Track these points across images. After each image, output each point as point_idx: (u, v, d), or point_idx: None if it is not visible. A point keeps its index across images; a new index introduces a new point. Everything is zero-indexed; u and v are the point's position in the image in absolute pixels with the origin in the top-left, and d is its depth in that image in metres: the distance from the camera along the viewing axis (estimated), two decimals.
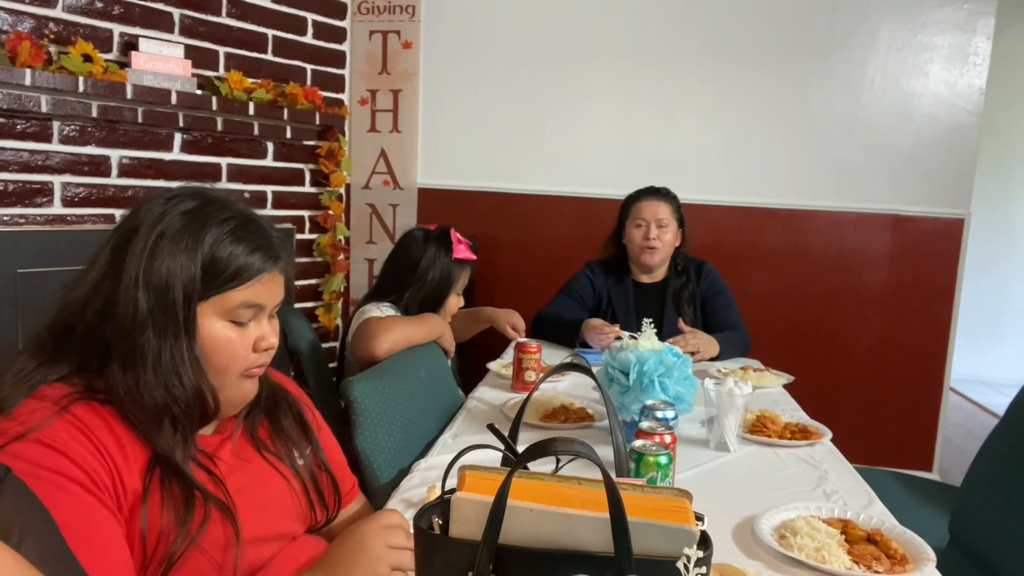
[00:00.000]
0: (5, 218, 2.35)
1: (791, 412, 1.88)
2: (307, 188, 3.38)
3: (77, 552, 0.73)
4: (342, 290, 3.56)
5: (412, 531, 0.94)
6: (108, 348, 0.91)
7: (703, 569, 0.69)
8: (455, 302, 2.26)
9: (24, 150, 2.38)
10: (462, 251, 2.21)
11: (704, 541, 0.74)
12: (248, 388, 1.02)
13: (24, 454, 0.82)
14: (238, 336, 0.97)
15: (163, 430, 0.92)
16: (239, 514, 0.96)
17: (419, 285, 2.16)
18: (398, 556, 0.93)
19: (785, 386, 2.18)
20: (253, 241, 0.97)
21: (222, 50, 2.95)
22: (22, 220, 2.39)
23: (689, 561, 0.66)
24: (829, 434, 1.70)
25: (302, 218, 3.38)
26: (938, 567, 1.10)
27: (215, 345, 0.95)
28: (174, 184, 1.12)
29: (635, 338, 1.66)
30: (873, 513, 1.27)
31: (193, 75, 2.72)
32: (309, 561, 1.02)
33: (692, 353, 2.25)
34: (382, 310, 2.10)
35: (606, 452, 1.22)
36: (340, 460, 1.22)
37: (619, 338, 1.76)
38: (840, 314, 3.38)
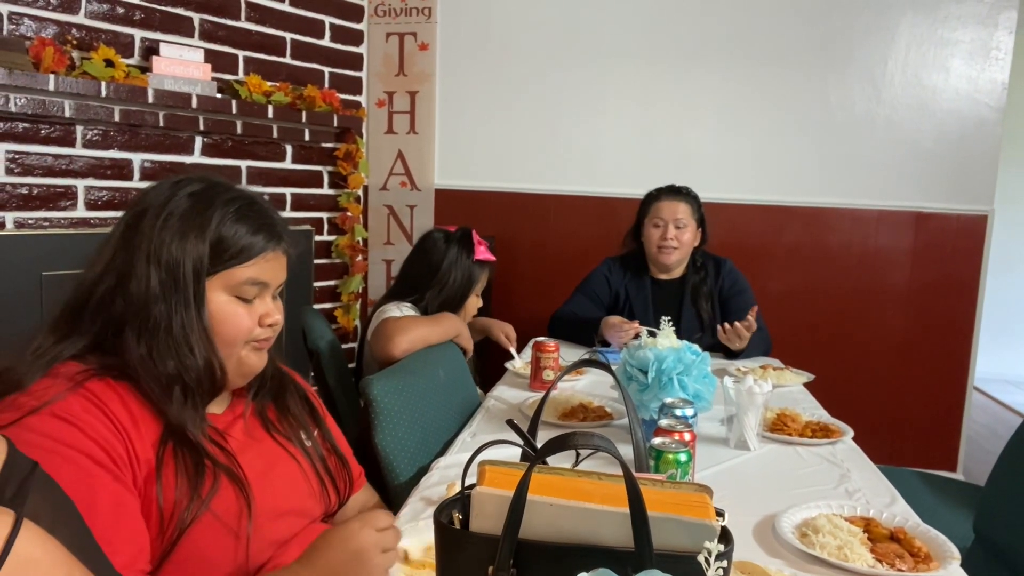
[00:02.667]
0: (30, 221, 2.38)
1: (812, 411, 1.87)
2: (325, 190, 3.40)
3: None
4: (360, 291, 3.57)
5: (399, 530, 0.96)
6: (122, 321, 0.96)
7: (724, 563, 0.68)
8: (474, 303, 2.28)
9: (48, 154, 2.42)
10: (483, 252, 2.23)
11: (725, 536, 0.74)
12: (255, 360, 1.06)
13: (37, 427, 0.85)
14: (245, 311, 1.02)
15: (174, 399, 0.96)
16: (252, 488, 0.99)
17: (440, 286, 2.18)
18: (392, 560, 0.94)
19: (806, 385, 2.16)
20: (257, 221, 1.02)
21: (241, 54, 2.98)
22: (46, 223, 2.42)
23: (710, 555, 0.65)
24: (851, 432, 1.68)
25: (320, 220, 3.40)
26: (963, 566, 1.09)
27: (223, 318, 1.00)
28: None
29: (654, 335, 1.66)
30: (896, 511, 1.25)
31: (213, 79, 2.75)
32: None
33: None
34: (402, 310, 2.11)
35: (625, 450, 1.21)
36: (346, 447, 1.24)
37: (638, 335, 1.76)
38: (862, 312, 3.35)
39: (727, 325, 2.30)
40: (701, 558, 0.67)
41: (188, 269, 0.97)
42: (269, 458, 1.07)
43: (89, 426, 0.88)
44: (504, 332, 2.48)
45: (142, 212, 0.99)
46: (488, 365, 2.71)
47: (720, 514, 0.76)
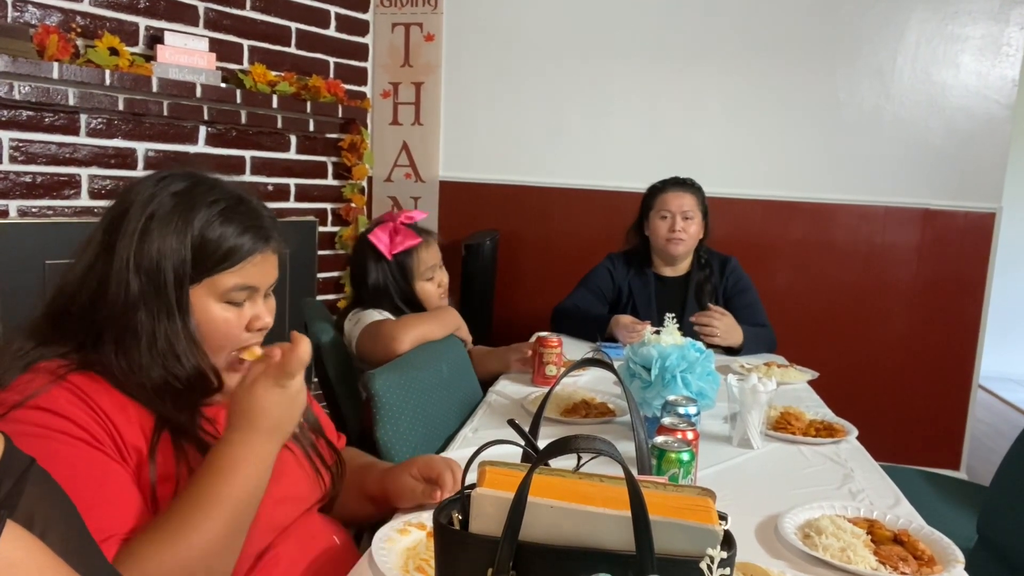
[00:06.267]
0: (34, 210, 2.38)
1: (816, 409, 1.86)
2: (329, 181, 3.39)
3: (87, 504, 0.73)
4: None
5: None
6: (102, 330, 0.92)
7: (727, 570, 0.68)
8: (430, 289, 2.13)
9: (52, 143, 2.41)
10: (397, 244, 2.05)
11: (728, 541, 0.73)
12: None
13: (25, 419, 0.84)
14: (234, 316, 0.98)
15: (166, 404, 0.93)
16: None
17: (386, 297, 2.05)
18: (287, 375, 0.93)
19: (810, 382, 2.15)
20: (243, 222, 0.97)
21: (246, 43, 2.96)
22: (50, 212, 2.42)
23: (712, 561, 0.65)
24: (855, 432, 1.67)
25: (324, 211, 3.39)
26: (966, 568, 1.08)
27: (212, 327, 0.96)
28: None
29: (657, 332, 1.65)
30: (900, 513, 1.24)
31: (217, 68, 2.74)
32: (324, 535, 1.06)
33: (708, 336, 2.24)
34: (383, 315, 2.04)
35: (627, 448, 1.21)
36: (328, 423, 1.24)
37: None
38: (867, 310, 3.33)
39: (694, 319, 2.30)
40: (703, 564, 0.66)
41: (169, 276, 0.92)
42: None
43: (76, 416, 0.86)
44: (518, 355, 2.23)
45: (124, 211, 0.95)
46: None
47: (723, 518, 0.75)
